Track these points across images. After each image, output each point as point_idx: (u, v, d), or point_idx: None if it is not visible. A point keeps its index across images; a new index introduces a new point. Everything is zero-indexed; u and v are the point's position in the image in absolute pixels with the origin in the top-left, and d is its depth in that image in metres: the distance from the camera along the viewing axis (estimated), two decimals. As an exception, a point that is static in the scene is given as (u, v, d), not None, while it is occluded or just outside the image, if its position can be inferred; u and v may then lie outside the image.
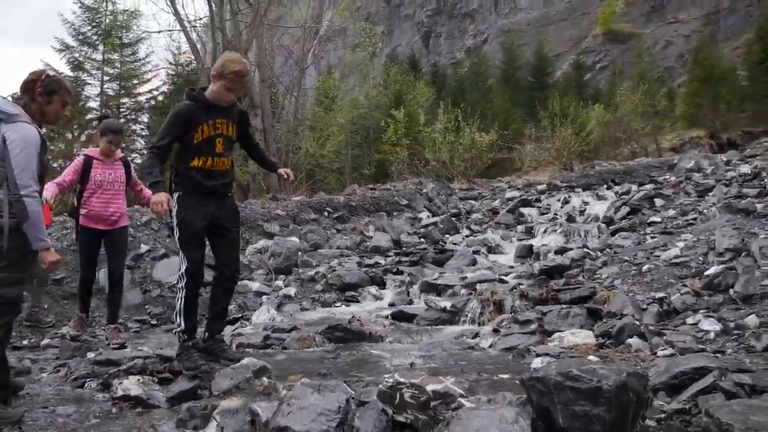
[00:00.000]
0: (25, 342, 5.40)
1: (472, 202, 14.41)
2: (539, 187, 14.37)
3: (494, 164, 22.13)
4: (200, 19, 18.73)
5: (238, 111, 3.89)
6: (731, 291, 4.55)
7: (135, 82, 23.85)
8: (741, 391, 2.66)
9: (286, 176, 4.08)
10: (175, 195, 3.61)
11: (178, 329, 3.64)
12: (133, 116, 23.98)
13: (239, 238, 3.93)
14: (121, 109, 23.72)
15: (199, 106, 3.64)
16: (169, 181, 3.72)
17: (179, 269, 3.63)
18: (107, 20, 23.01)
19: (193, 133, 3.59)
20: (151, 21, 66.71)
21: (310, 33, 21.31)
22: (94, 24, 22.90)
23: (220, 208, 3.72)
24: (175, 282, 3.74)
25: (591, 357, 3.71)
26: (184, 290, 3.60)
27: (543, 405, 2.40)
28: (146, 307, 6.78)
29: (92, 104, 23.21)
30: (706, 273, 4.93)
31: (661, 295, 4.82)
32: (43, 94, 3.08)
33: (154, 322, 6.39)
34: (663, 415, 2.64)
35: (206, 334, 3.83)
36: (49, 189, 4.60)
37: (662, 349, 3.72)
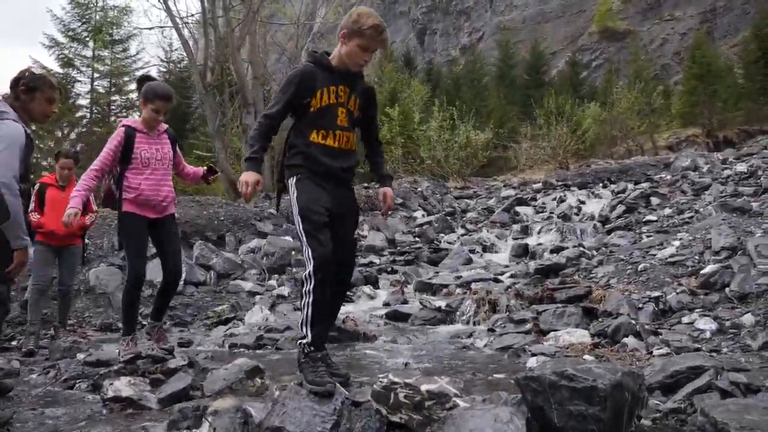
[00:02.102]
0: (14, 343, 5.36)
1: (468, 200, 14.41)
2: (535, 186, 14.38)
3: (490, 163, 22.14)
4: (192, 15, 18.67)
5: (365, 87, 3.22)
6: (727, 290, 4.55)
7: (126, 79, 23.76)
8: (736, 390, 2.65)
9: (383, 201, 3.29)
10: (292, 179, 3.02)
11: (304, 341, 2.90)
12: (124, 114, 23.88)
13: (354, 230, 3.24)
14: (112, 107, 23.63)
15: (318, 67, 3.04)
16: (280, 164, 3.18)
17: (306, 269, 2.88)
18: (97, 16, 22.89)
19: (309, 99, 3.00)
20: (142, 17, 66.37)
21: (303, 30, 21.24)
22: (84, 20, 22.79)
23: (340, 197, 3.05)
24: (301, 283, 2.91)
25: (586, 356, 3.70)
26: (312, 295, 2.85)
27: (538, 404, 2.38)
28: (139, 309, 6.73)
29: (82, 102, 23.12)
30: (702, 272, 4.93)
31: (656, 294, 4.81)
32: (25, 92, 3.05)
33: (145, 322, 6.34)
34: (658, 415, 2.62)
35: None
36: (76, 203, 3.75)
37: (658, 349, 3.71)
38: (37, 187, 5.48)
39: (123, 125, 3.97)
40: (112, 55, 23.51)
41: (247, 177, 2.86)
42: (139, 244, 3.96)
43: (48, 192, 5.51)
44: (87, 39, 22.85)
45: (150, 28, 36.48)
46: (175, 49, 26.23)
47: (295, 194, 2.98)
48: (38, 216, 5.41)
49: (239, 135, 17.94)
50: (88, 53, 22.91)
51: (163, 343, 4.03)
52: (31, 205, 5.31)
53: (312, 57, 3.12)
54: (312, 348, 2.89)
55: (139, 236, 3.95)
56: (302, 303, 2.89)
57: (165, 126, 4.16)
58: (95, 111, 23.34)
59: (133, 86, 24.12)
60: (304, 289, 2.88)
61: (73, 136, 22.51)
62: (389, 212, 3.41)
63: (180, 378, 3.32)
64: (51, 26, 23.94)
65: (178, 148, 4.28)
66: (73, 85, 22.76)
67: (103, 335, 5.99)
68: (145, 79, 4.12)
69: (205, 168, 4.38)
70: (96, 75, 23.00)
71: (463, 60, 42.46)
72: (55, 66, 22.20)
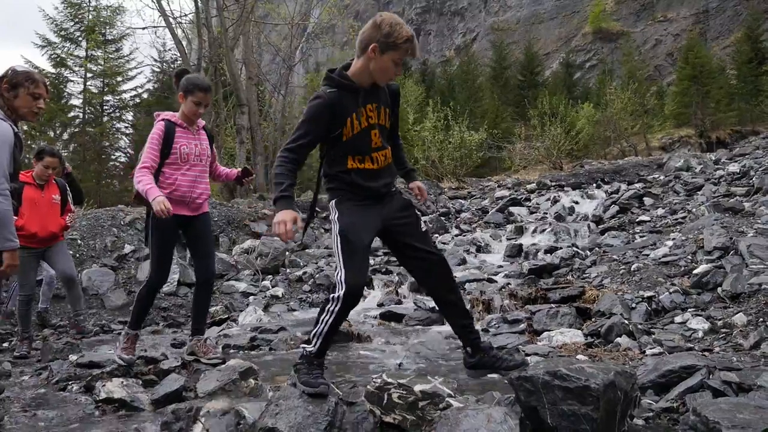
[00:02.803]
0: (5, 345, 5.32)
1: (462, 201, 14.42)
2: (529, 186, 14.41)
3: (484, 163, 22.20)
4: (186, 15, 18.62)
5: (390, 89, 2.97)
6: (719, 289, 4.57)
7: (119, 79, 23.65)
8: (728, 389, 2.66)
9: (419, 194, 3.22)
10: (333, 201, 2.89)
11: (309, 348, 2.85)
12: (117, 114, 23.80)
13: (420, 223, 3.01)
14: (105, 107, 23.52)
15: (342, 91, 2.79)
16: (316, 184, 3.04)
17: (334, 291, 2.79)
18: (90, 16, 22.77)
19: (340, 129, 2.79)
20: (136, 17, 66.21)
21: (297, 30, 21.23)
22: (76, 20, 22.65)
23: (386, 208, 2.90)
24: (326, 302, 2.82)
25: (580, 356, 3.71)
26: (334, 316, 2.77)
27: (531, 404, 2.38)
28: (130, 308, 6.70)
29: (75, 102, 22.99)
30: (695, 272, 4.95)
31: (649, 293, 4.83)
32: (8, 90, 3.01)
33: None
34: (651, 414, 2.63)
35: (469, 349, 2.99)
36: (156, 193, 3.58)
37: (651, 348, 3.72)
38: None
39: (162, 119, 3.82)
40: (105, 55, 23.38)
41: (284, 216, 2.64)
42: (167, 245, 3.83)
43: (25, 191, 5.12)
44: (80, 39, 22.72)
45: (143, 28, 36.43)
46: (169, 49, 26.14)
47: (337, 214, 2.84)
48: (14, 218, 5.28)
49: (233, 135, 17.90)
50: (81, 53, 22.78)
51: (212, 354, 3.86)
52: None
53: (333, 81, 2.83)
54: (314, 358, 2.83)
55: (169, 235, 3.80)
56: (321, 318, 2.80)
57: (203, 122, 4.06)
58: (88, 111, 23.23)
59: (126, 86, 24.08)
60: (328, 306, 2.78)
61: (65, 136, 22.39)
62: (426, 202, 3.33)
63: (173, 379, 3.31)
64: (43, 26, 23.72)
65: (214, 147, 4.17)
66: (65, 85, 22.63)
67: (95, 337, 5.96)
68: (183, 72, 4.00)
69: (240, 169, 4.24)
70: (89, 75, 22.88)
71: (457, 60, 42.52)
72: (47, 66, 22.09)
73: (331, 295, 2.77)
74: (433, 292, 3.01)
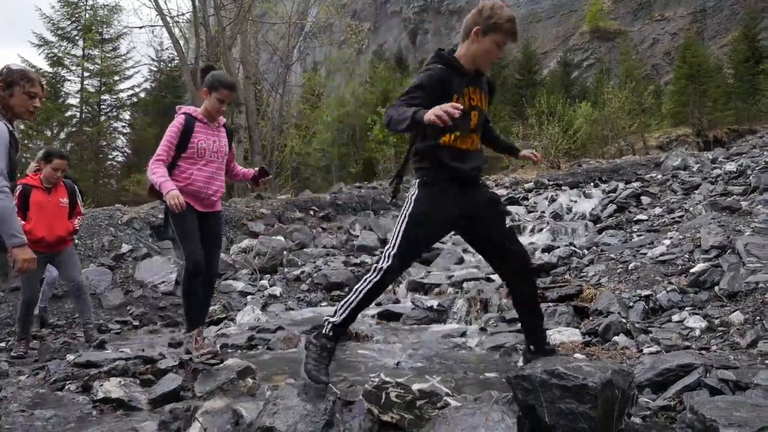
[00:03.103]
0: (2, 344, 5.31)
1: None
2: (526, 186, 14.42)
3: (481, 162, 22.16)
4: (183, 14, 18.60)
5: (488, 79, 3.04)
6: (716, 288, 4.57)
7: (116, 78, 23.61)
8: (725, 387, 2.67)
9: (534, 157, 3.29)
10: (417, 181, 2.88)
11: (332, 319, 2.83)
12: (115, 113, 23.75)
13: (505, 218, 3.06)
14: (102, 107, 23.48)
15: (450, 70, 2.82)
16: (402, 165, 3.02)
17: (379, 263, 2.79)
18: (87, 15, 22.72)
19: (443, 101, 2.66)
20: (133, 16, 66.01)
21: (295, 29, 21.21)
22: (73, 19, 22.61)
23: (469, 197, 2.88)
24: (366, 272, 2.80)
25: (577, 355, 3.71)
26: (370, 285, 2.78)
27: (529, 403, 2.39)
28: (128, 307, 6.71)
29: (72, 101, 22.95)
30: (692, 270, 4.96)
31: (647, 292, 4.83)
32: (3, 88, 2.99)
33: (135, 323, 6.32)
34: (648, 412, 2.63)
35: (532, 347, 2.99)
36: (170, 186, 3.56)
37: (648, 347, 3.73)
38: (19, 189, 5.07)
39: (183, 113, 3.81)
40: (102, 54, 23.35)
41: (434, 110, 2.44)
42: (191, 227, 3.73)
43: (33, 195, 5.08)
44: (77, 38, 22.69)
45: (140, 27, 35.96)
46: (166, 49, 26.09)
47: (415, 195, 2.84)
48: (22, 222, 5.06)
49: (230, 134, 17.88)
50: (78, 52, 22.75)
51: (205, 350, 3.71)
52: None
53: (443, 59, 2.87)
54: (332, 333, 2.82)
55: (190, 218, 3.72)
56: (357, 287, 2.81)
57: (223, 119, 4.01)
58: (85, 110, 23.18)
59: (123, 86, 24.04)
60: (367, 276, 2.80)
61: (62, 135, 22.35)
62: (538, 160, 3.39)
63: (171, 379, 3.30)
64: (40, 25, 23.62)
65: (233, 145, 4.11)
66: (62, 84, 22.59)
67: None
68: (209, 68, 3.98)
69: (257, 169, 4.17)
70: (86, 74, 22.84)
71: (454, 60, 42.53)
72: (44, 65, 22.04)
73: (375, 265, 2.81)
74: (510, 285, 3.03)
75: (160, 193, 3.67)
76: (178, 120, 3.77)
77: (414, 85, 2.78)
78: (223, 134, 3.95)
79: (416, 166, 2.91)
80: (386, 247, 2.82)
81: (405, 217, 2.81)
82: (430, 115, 2.40)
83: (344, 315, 2.80)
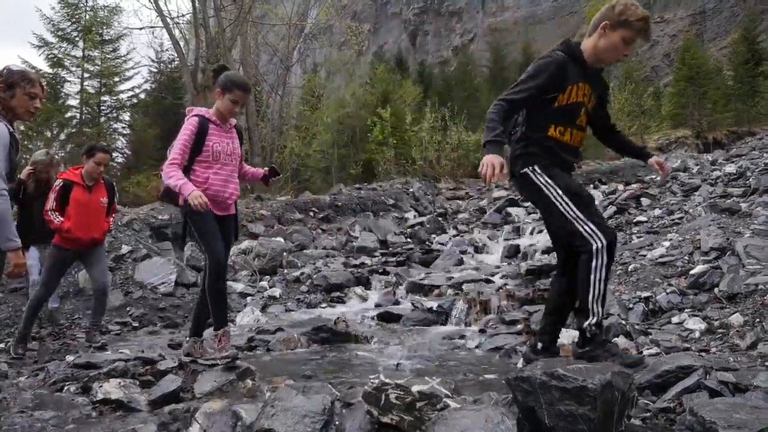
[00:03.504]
0: (1, 345, 5.30)
1: (459, 201, 14.44)
2: (526, 187, 14.40)
3: (481, 164, 22.15)
4: (183, 15, 18.60)
5: (604, 82, 3.05)
6: (716, 290, 4.57)
7: (116, 79, 23.61)
8: (725, 389, 2.67)
9: (661, 169, 3.23)
10: (535, 167, 2.88)
11: (592, 321, 2.74)
12: (114, 115, 23.75)
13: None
14: (102, 108, 23.48)
15: (571, 60, 2.85)
16: (513, 150, 2.99)
17: (585, 249, 2.71)
18: (87, 16, 22.73)
19: (557, 94, 2.84)
20: (133, 17, 65.99)
21: (295, 31, 21.23)
22: (73, 20, 22.62)
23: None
24: (589, 259, 2.67)
25: (577, 356, 3.70)
26: (603, 269, 2.69)
27: (529, 405, 2.38)
28: (127, 309, 6.71)
29: (72, 102, 22.95)
30: (692, 272, 4.96)
31: (646, 294, 4.83)
32: (4, 89, 2.99)
33: (135, 324, 6.31)
34: (648, 414, 2.63)
35: (540, 345, 3.06)
36: (190, 188, 3.40)
37: (648, 348, 3.73)
38: (59, 184, 4.89)
39: (195, 114, 3.67)
40: (102, 55, 23.35)
41: (492, 159, 2.64)
42: (210, 225, 3.58)
43: (73, 192, 4.88)
44: (77, 39, 22.68)
45: (140, 29, 36.14)
46: (166, 50, 26.10)
47: (545, 177, 2.84)
48: (60, 219, 4.84)
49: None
50: (78, 53, 22.74)
51: (209, 355, 3.59)
52: (51, 204, 4.84)
53: (568, 48, 2.90)
54: (598, 330, 2.77)
55: (209, 216, 3.56)
56: (591, 279, 2.70)
57: (234, 120, 3.91)
58: (85, 111, 23.18)
59: (123, 87, 24.03)
60: (592, 265, 2.70)
61: (62, 136, 22.36)
62: (666, 180, 3.41)
63: (170, 380, 3.30)
64: (41, 26, 23.65)
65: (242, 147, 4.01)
66: (62, 85, 22.59)
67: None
68: (222, 68, 3.87)
69: (267, 169, 4.10)
70: (86, 75, 22.84)
71: (454, 61, 42.56)
72: (44, 66, 22.04)
73: (585, 255, 2.72)
74: (568, 275, 2.99)
75: (174, 198, 3.61)
76: (191, 122, 3.62)
77: (527, 75, 2.85)
78: (236, 136, 3.87)
79: (527, 152, 2.91)
80: (579, 232, 2.73)
81: (561, 198, 2.79)
82: (486, 164, 2.64)
83: (599, 309, 2.75)
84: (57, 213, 4.83)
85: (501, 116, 2.78)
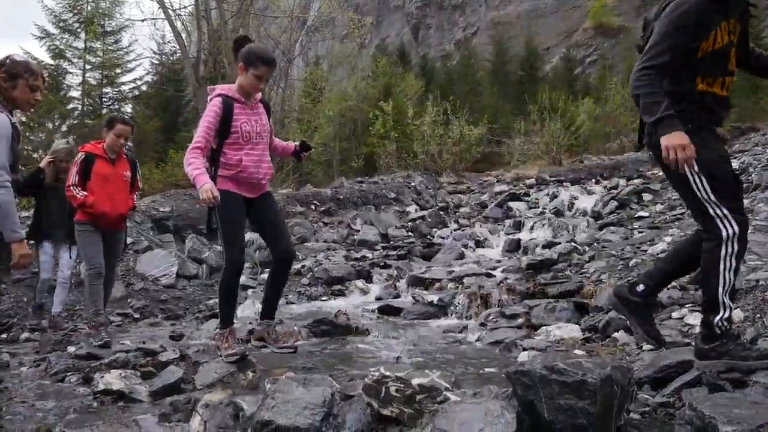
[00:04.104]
0: (3, 336, 5.32)
1: (461, 195, 14.42)
2: (528, 182, 14.40)
3: (483, 158, 22.15)
4: (185, 7, 18.51)
5: (746, 1, 2.62)
6: (716, 285, 4.57)
7: (118, 71, 23.55)
8: (726, 384, 2.67)
9: None
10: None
11: (723, 316, 2.53)
12: (117, 106, 23.70)
13: None
14: (104, 99, 23.45)
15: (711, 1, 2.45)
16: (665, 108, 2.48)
17: (714, 236, 2.47)
18: (89, 7, 22.66)
19: (699, 42, 2.47)
20: (135, 9, 65.89)
21: (297, 23, 21.17)
22: (75, 11, 22.54)
23: None
24: (717, 246, 2.45)
25: (577, 351, 3.72)
26: (734, 257, 2.47)
27: (528, 398, 2.39)
28: (129, 300, 6.73)
29: (73, 93, 22.91)
30: (692, 267, 4.95)
31: (647, 289, 4.83)
32: (6, 79, 2.98)
33: (136, 315, 6.33)
34: (647, 408, 2.64)
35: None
36: (204, 179, 3.23)
37: (647, 343, 3.73)
38: (81, 157, 4.63)
39: (218, 94, 3.44)
40: (104, 46, 23.27)
41: (678, 140, 2.33)
42: (238, 226, 3.46)
43: (96, 165, 4.60)
44: (78, 30, 22.61)
45: (142, 20, 35.95)
46: (168, 42, 25.99)
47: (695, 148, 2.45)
48: (83, 193, 4.55)
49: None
50: (80, 45, 22.67)
51: (282, 343, 3.54)
52: (73, 178, 4.56)
53: None
54: (729, 324, 2.54)
55: (239, 217, 3.44)
56: (720, 268, 2.47)
57: (260, 95, 3.65)
58: (87, 103, 23.15)
59: (125, 78, 23.93)
60: (722, 252, 2.46)
61: (64, 128, 22.33)
62: None
63: (171, 371, 3.32)
64: (42, 17, 23.58)
65: (271, 120, 3.79)
66: (64, 76, 22.54)
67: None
68: (243, 39, 3.59)
69: (298, 143, 3.89)
70: (88, 67, 22.78)
71: (457, 55, 42.40)
72: (46, 57, 21.98)
73: (713, 243, 2.48)
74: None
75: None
76: (215, 103, 3.39)
77: (661, 33, 2.49)
78: (262, 111, 3.60)
79: (678, 109, 2.49)
80: (710, 217, 2.47)
81: (698, 174, 2.44)
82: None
83: (728, 302, 2.53)
84: (79, 188, 4.56)
85: (658, 85, 2.43)
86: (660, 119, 2.39)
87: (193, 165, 3.25)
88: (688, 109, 2.50)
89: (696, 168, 2.43)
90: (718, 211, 2.45)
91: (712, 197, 2.46)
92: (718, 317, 2.54)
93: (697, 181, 2.47)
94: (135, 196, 4.98)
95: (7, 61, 3.02)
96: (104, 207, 4.56)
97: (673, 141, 2.34)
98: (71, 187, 4.55)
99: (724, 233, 2.46)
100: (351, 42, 27.70)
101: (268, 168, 3.59)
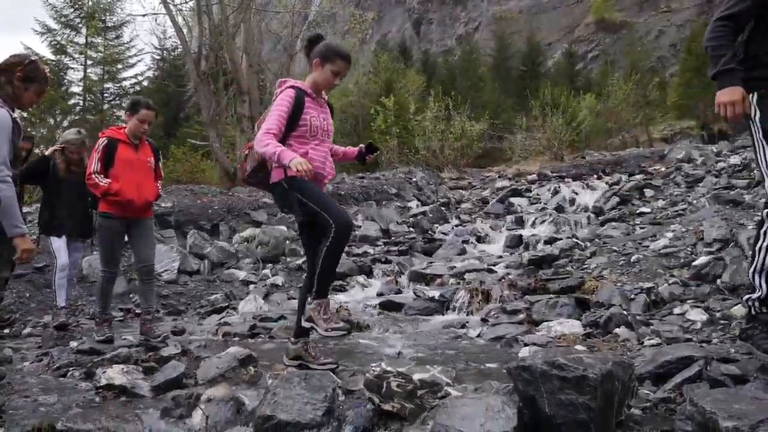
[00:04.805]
0: (6, 330, 5.33)
1: (462, 191, 14.42)
2: (529, 177, 14.40)
3: (484, 154, 22.16)
4: (186, 2, 18.44)
5: None
6: (719, 281, 4.58)
7: (119, 66, 23.56)
8: (727, 379, 2.67)
9: None
10: (754, 95, 2.35)
11: (754, 296, 2.45)
12: (118, 102, 23.71)
13: None
14: (105, 95, 23.45)
15: None
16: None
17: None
18: (90, 2, 22.66)
19: None
20: (136, 4, 65.70)
21: (298, 18, 21.11)
22: (76, 6, 22.54)
23: None
24: (760, 224, 2.41)
25: (578, 346, 3.72)
26: None
27: (529, 394, 2.40)
28: (130, 295, 6.74)
29: (75, 89, 22.92)
30: (694, 263, 4.96)
31: (649, 285, 4.84)
32: (22, 79, 3.00)
33: (138, 311, 6.34)
34: (648, 404, 2.64)
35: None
36: (291, 154, 3.05)
37: (649, 339, 3.74)
38: (104, 142, 4.32)
39: (291, 86, 3.35)
40: (105, 42, 23.30)
41: (731, 94, 2.22)
42: (327, 195, 3.26)
43: (119, 150, 4.32)
44: (80, 25, 22.62)
45: (143, 15, 35.93)
46: (169, 37, 26.06)
47: (758, 115, 2.32)
48: (107, 180, 4.24)
49: (233, 124, 17.85)
50: (81, 40, 22.70)
51: (333, 324, 3.11)
52: (95, 165, 4.26)
53: None
54: (764, 308, 2.43)
55: (318, 188, 3.25)
56: (758, 246, 2.40)
57: (326, 95, 3.56)
58: (88, 98, 23.16)
59: (126, 74, 23.95)
60: (764, 229, 2.40)
61: (65, 123, 22.36)
62: None
63: (173, 366, 3.33)
64: (43, 12, 23.52)
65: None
66: (65, 72, 22.56)
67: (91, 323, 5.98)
68: (318, 38, 3.50)
69: (362, 146, 3.74)
70: (89, 62, 22.80)
71: (458, 50, 42.29)
72: (47, 53, 22.00)
73: (762, 217, 2.38)
74: None
75: (263, 178, 3.36)
76: (288, 93, 3.29)
77: None
78: (329, 111, 3.53)
79: (751, 76, 2.34)
80: (765, 184, 2.34)
81: (761, 142, 2.32)
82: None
83: (766, 284, 2.41)
84: (101, 175, 4.26)
85: (728, 38, 2.31)
86: (719, 72, 2.28)
87: (272, 144, 3.11)
88: (763, 76, 2.33)
89: (761, 133, 2.29)
90: None
91: None
92: (748, 296, 2.49)
93: (761, 147, 2.34)
94: (159, 185, 4.64)
95: (27, 62, 3.04)
96: (129, 193, 4.27)
97: (723, 97, 2.24)
98: (93, 175, 4.24)
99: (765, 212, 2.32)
100: (352, 37, 27.61)
101: (332, 168, 3.47)
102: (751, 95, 2.34)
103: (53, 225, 5.23)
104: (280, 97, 3.30)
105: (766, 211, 2.41)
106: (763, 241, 2.36)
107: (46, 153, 5.38)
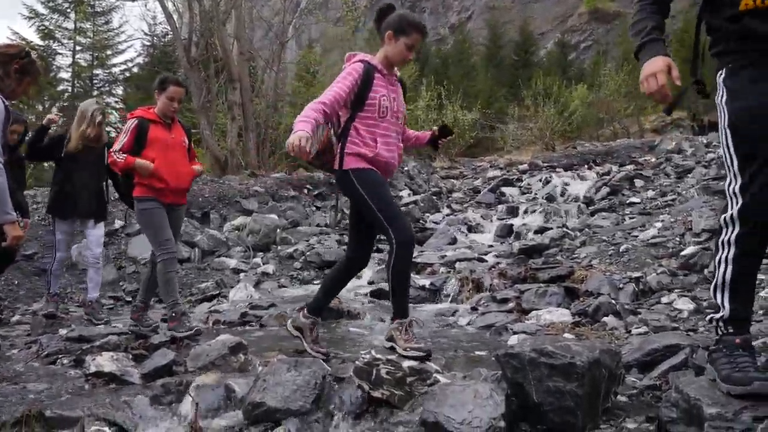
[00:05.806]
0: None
1: (454, 181, 14.44)
2: (521, 167, 14.44)
3: (476, 143, 22.17)
4: (177, -12, 18.24)
5: None
6: (706, 271, 4.62)
7: (109, 52, 23.31)
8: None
9: None
10: (720, 75, 2.10)
11: (717, 315, 2.10)
12: (107, 88, 23.49)
13: None
14: (94, 81, 23.21)
15: None
16: (693, 61, 2.20)
17: (727, 210, 2.02)
18: (79, -14, 22.37)
19: None
20: (127, -11, 64.66)
21: (290, 5, 20.92)
22: (65, -10, 22.26)
23: None
24: (716, 232, 2.06)
25: (567, 335, 3.75)
26: (734, 247, 1.98)
27: (517, 381, 2.42)
28: (121, 283, 6.73)
29: (63, 75, 22.69)
30: (683, 253, 5.00)
31: (637, 274, 4.88)
32: (17, 71, 3.03)
33: (128, 299, 6.33)
34: (635, 391, 2.68)
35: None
36: (302, 126, 2.74)
37: (636, 328, 3.77)
38: (134, 123, 4.00)
39: (359, 60, 3.04)
40: (94, 27, 23.03)
41: (654, 66, 1.97)
42: (392, 197, 3.01)
43: (152, 131, 4.00)
44: (68, 10, 22.32)
45: (133, 0, 35.60)
46: (159, 23, 25.71)
47: (725, 96, 2.04)
48: (123, 156, 3.94)
49: (224, 111, 17.72)
50: (70, 25, 22.42)
51: (414, 344, 2.91)
52: (121, 144, 3.96)
53: None
54: (730, 328, 2.07)
55: (387, 187, 3.00)
56: (717, 258, 2.04)
57: (398, 72, 3.22)
58: (77, 85, 22.91)
59: (116, 60, 23.68)
60: (721, 238, 2.02)
61: (54, 110, 22.13)
62: None
63: (163, 354, 3.32)
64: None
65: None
66: (54, 58, 22.29)
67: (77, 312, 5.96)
68: (390, 8, 3.15)
69: (435, 129, 3.46)
70: (78, 48, 22.53)
71: (451, 39, 42.14)
72: (35, 38, 21.72)
73: (724, 217, 2.02)
74: None
75: (326, 161, 3.09)
76: (355, 68, 2.96)
77: None
78: (401, 90, 3.18)
79: (714, 51, 2.11)
80: (726, 185, 2.01)
81: (725, 131, 2.01)
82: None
83: (729, 302, 2.05)
84: (123, 153, 3.94)
85: (648, 11, 2.12)
86: (640, 46, 2.09)
87: (304, 114, 2.82)
88: (724, 49, 2.10)
89: (726, 121, 2.02)
90: (733, 185, 1.98)
91: (734, 161, 1.99)
92: (711, 317, 2.20)
93: (727, 137, 2.03)
94: (198, 166, 4.40)
95: (25, 56, 3.05)
96: (167, 175, 3.98)
97: (649, 67, 2.00)
98: (114, 153, 3.95)
99: (728, 212, 2.01)
100: (345, 25, 27.43)
101: (401, 154, 3.19)
102: (718, 74, 2.12)
103: (60, 204, 5.00)
104: (346, 71, 2.98)
105: (723, 216, 2.04)
106: (722, 252, 2.03)
107: (43, 123, 5.07)
